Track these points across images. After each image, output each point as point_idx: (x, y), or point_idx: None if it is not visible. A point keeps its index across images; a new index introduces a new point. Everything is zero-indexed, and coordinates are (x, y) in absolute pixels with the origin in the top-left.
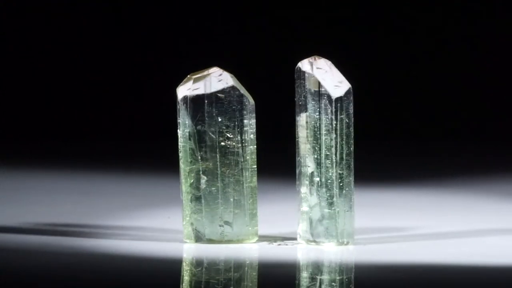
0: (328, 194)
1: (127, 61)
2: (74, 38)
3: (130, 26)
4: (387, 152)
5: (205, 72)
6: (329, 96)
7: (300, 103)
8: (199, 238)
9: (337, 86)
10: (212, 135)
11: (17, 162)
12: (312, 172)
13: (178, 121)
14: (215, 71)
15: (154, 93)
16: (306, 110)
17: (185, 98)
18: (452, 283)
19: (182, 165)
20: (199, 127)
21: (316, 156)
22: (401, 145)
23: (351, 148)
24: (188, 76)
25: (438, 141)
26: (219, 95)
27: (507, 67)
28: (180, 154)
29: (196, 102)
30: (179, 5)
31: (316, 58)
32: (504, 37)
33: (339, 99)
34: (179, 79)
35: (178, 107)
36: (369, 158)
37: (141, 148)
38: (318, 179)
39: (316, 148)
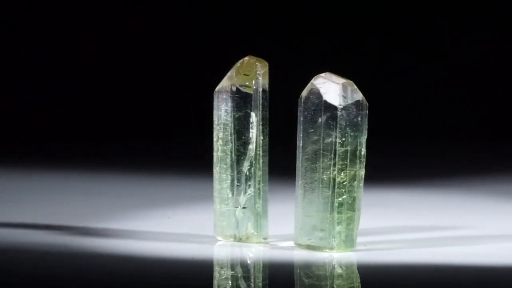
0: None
1: (124, 61)
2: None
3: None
4: (387, 152)
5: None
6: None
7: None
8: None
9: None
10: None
11: (17, 162)
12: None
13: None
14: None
15: (154, 92)
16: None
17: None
18: (451, 283)
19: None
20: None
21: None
22: (401, 145)
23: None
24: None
25: (438, 141)
26: None
27: (507, 65)
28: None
29: None
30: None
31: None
32: (505, 35)
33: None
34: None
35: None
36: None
37: (141, 148)
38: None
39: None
